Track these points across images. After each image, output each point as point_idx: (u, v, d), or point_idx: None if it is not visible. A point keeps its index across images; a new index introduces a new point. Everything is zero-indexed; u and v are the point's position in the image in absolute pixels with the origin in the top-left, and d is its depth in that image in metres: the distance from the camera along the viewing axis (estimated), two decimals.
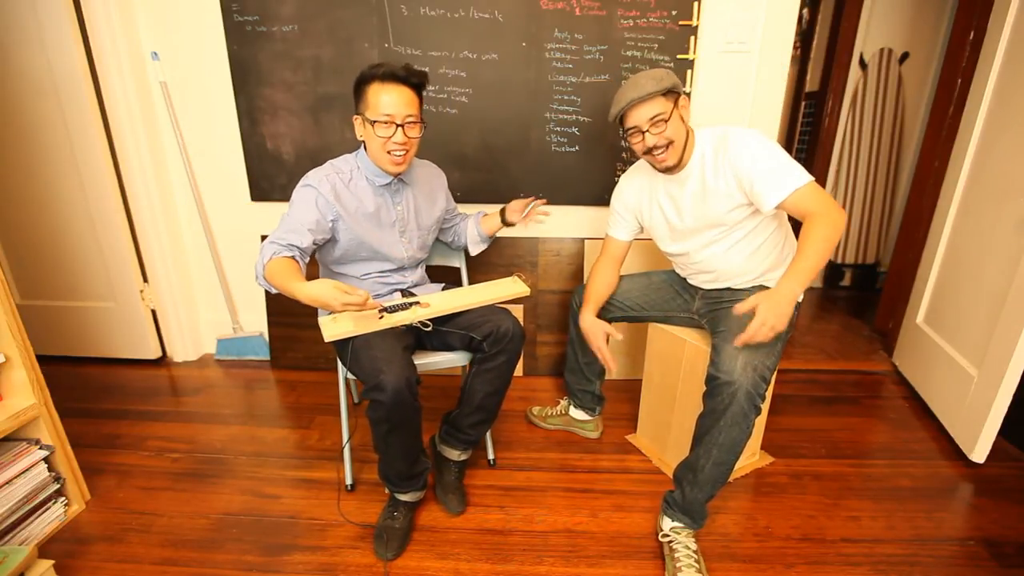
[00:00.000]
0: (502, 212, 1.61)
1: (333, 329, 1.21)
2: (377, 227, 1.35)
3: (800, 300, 1.37)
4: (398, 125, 1.21)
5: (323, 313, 1.35)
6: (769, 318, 1.04)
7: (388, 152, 1.24)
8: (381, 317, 1.23)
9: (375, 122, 1.20)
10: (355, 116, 1.26)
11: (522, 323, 2.08)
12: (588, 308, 1.46)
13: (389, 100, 1.19)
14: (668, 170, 1.30)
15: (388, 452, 1.24)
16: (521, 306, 2.08)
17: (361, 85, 1.22)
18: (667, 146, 1.24)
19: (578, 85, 1.86)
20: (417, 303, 1.30)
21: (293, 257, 1.18)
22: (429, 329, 1.33)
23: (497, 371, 1.33)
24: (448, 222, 1.62)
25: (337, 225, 1.29)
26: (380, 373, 1.12)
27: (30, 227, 2.03)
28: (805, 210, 1.14)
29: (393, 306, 1.28)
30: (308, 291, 1.05)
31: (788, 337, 1.32)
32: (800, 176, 1.15)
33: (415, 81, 1.23)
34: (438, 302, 1.33)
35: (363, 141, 1.29)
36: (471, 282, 1.67)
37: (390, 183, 1.34)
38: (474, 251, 1.65)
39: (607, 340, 1.41)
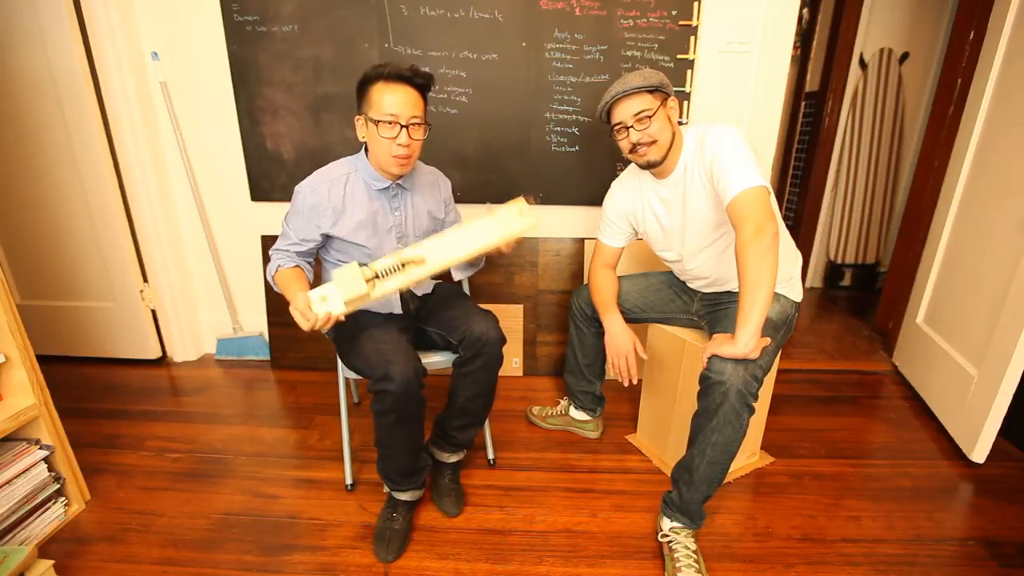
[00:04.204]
0: None
1: (325, 309, 1.11)
2: (373, 234, 1.31)
3: (799, 300, 1.37)
4: (402, 126, 1.18)
5: (313, 297, 1.31)
6: (738, 355, 1.08)
7: (392, 155, 1.20)
8: (373, 286, 1.10)
9: (379, 122, 1.17)
10: (357, 117, 1.24)
11: (522, 323, 2.08)
12: (612, 314, 1.44)
13: (393, 100, 1.16)
14: (650, 166, 1.29)
15: (393, 446, 1.23)
16: (521, 306, 2.08)
17: (365, 85, 1.19)
18: (651, 144, 1.24)
19: (578, 85, 1.86)
20: (411, 261, 1.14)
21: (297, 265, 1.29)
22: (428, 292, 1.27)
23: (475, 375, 1.31)
24: None
25: (330, 232, 1.28)
26: (389, 363, 1.12)
27: (30, 227, 2.03)
28: (741, 215, 1.10)
29: (384, 270, 1.12)
30: (291, 303, 1.13)
31: (784, 340, 1.32)
32: (753, 178, 1.11)
33: (420, 82, 1.20)
34: (434, 255, 1.15)
35: (364, 143, 1.27)
36: (470, 289, 1.64)
37: (388, 187, 1.30)
38: (457, 276, 1.54)
39: (635, 353, 1.39)
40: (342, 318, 1.10)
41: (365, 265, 1.10)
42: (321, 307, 1.09)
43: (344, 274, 1.09)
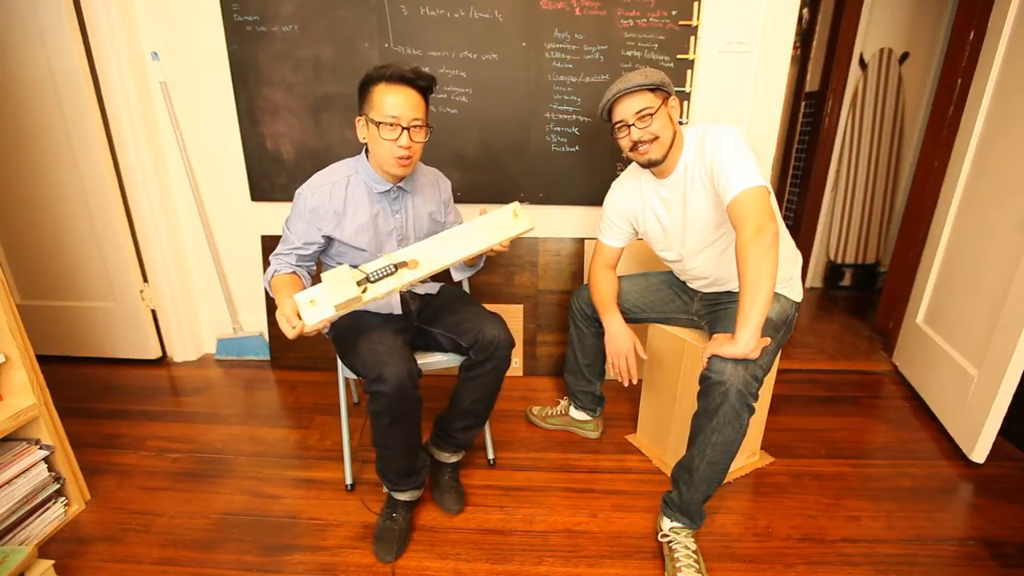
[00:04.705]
0: None
1: (315, 314, 1.07)
2: (374, 236, 1.31)
3: (799, 300, 1.37)
4: (404, 128, 1.17)
5: (301, 300, 1.30)
6: (738, 355, 1.07)
7: (393, 156, 1.19)
8: (364, 290, 1.07)
9: (380, 123, 1.17)
10: (358, 117, 1.23)
11: (522, 323, 2.08)
12: (612, 314, 1.44)
13: (395, 102, 1.16)
14: (651, 164, 1.29)
15: (389, 447, 1.23)
16: (521, 306, 2.08)
17: (367, 86, 1.19)
18: (652, 141, 1.24)
19: (578, 85, 1.86)
20: (404, 264, 1.12)
21: (294, 272, 1.27)
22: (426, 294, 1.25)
23: (483, 378, 1.31)
24: None
25: (331, 236, 1.28)
26: (383, 365, 1.12)
27: (30, 227, 2.03)
28: (741, 215, 1.10)
29: (376, 272, 1.09)
30: (278, 309, 1.09)
31: (784, 340, 1.32)
32: (753, 178, 1.12)
33: (422, 84, 1.20)
34: (427, 258, 1.14)
35: (365, 144, 1.27)
36: (471, 288, 1.64)
37: (389, 190, 1.30)
38: (456, 277, 1.55)
39: (635, 353, 1.38)
40: (327, 325, 1.07)
41: (356, 267, 1.09)
42: (309, 311, 1.05)
43: (334, 277, 1.06)
